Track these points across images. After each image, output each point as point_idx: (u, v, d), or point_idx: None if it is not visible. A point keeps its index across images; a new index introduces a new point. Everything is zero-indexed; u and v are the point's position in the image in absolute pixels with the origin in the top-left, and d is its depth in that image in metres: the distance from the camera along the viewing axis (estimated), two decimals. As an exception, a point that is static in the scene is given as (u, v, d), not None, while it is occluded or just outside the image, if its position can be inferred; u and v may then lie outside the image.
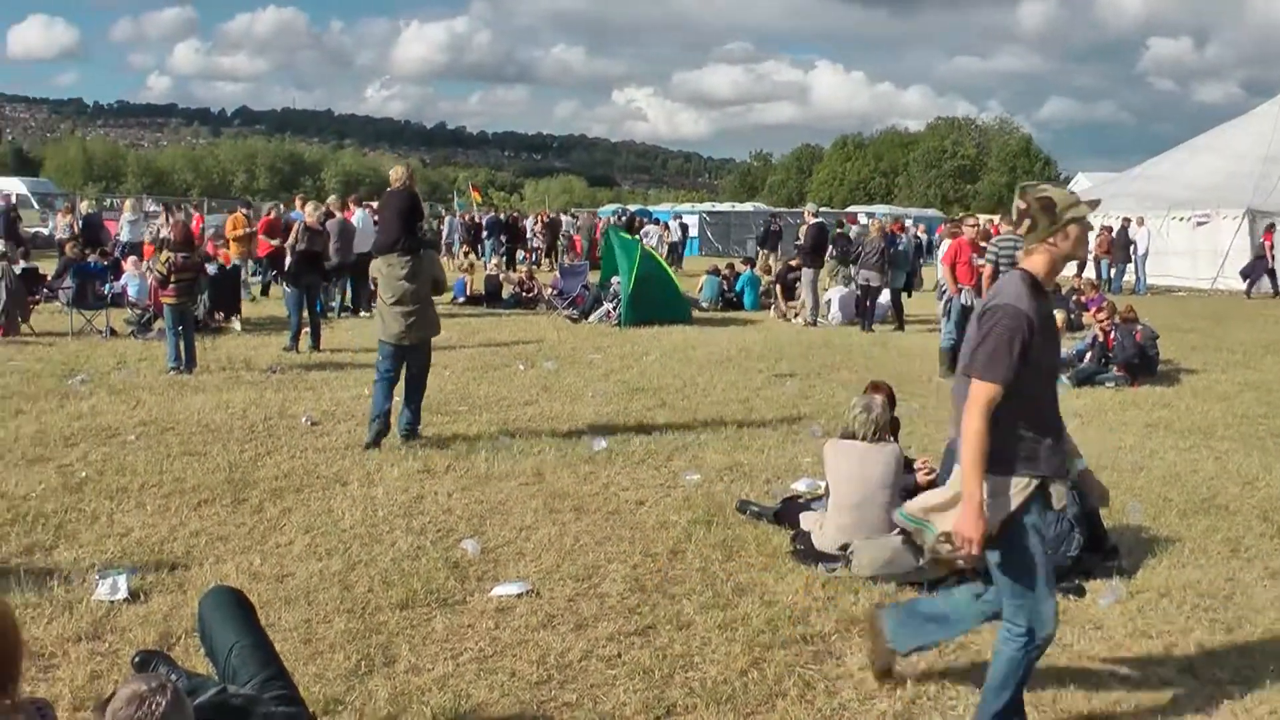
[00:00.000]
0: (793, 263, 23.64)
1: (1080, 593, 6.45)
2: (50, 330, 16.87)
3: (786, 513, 7.66)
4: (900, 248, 22.02)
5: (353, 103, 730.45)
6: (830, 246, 23.43)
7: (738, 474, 9.16)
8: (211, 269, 18.12)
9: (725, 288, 25.11)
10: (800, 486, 8.61)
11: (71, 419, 10.56)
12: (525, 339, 17.96)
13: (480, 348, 16.65)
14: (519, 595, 6.21)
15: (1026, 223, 4.46)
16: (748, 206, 68.85)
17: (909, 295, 23.22)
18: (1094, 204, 4.52)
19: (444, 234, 37.73)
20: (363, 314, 20.55)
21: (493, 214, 43.01)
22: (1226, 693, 5.22)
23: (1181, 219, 35.09)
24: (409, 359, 9.89)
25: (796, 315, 22.23)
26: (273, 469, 8.90)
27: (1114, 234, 33.07)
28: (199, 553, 6.82)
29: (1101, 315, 15.36)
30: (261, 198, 73.00)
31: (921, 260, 30.14)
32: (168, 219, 28.74)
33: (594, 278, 24.28)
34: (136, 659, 4.69)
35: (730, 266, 27.00)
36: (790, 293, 23.22)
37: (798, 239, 23.69)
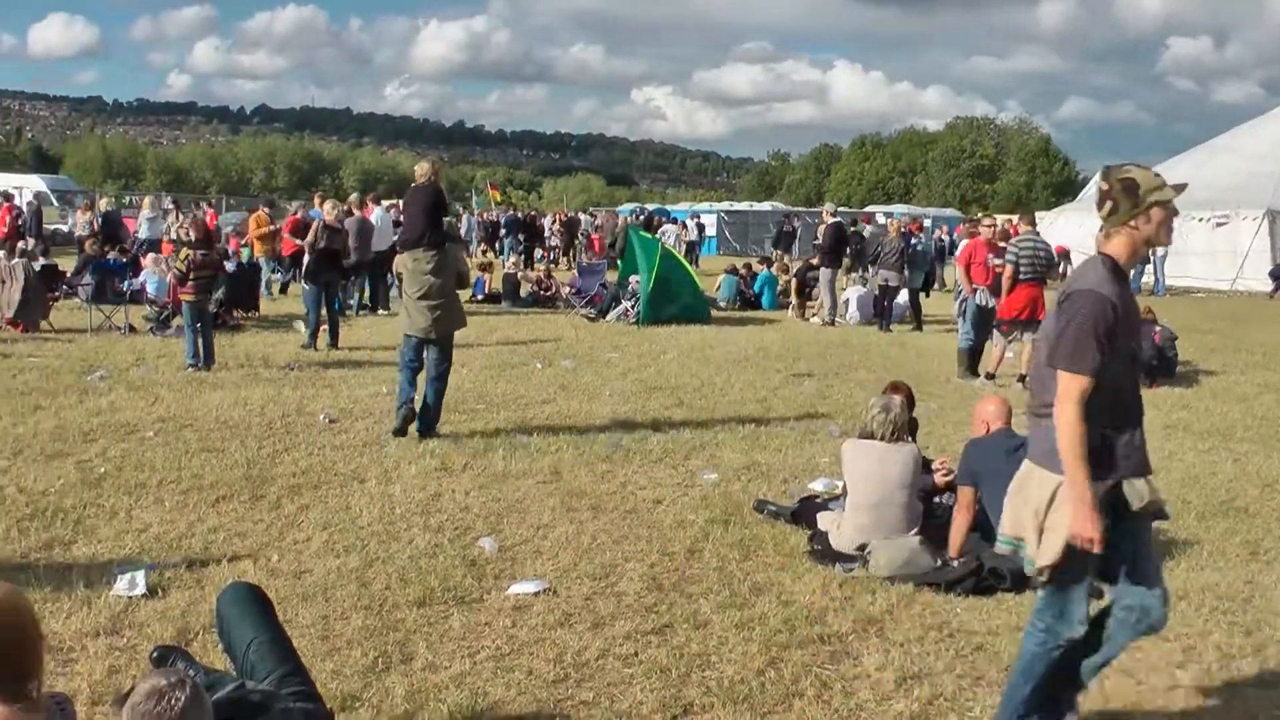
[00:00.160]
0: (813, 261, 23.60)
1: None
2: (69, 326, 16.92)
3: (804, 512, 7.65)
4: (919, 248, 21.96)
5: (371, 101, 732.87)
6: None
7: (755, 473, 9.15)
8: (230, 266, 18.17)
9: (743, 287, 25.08)
10: (818, 486, 8.59)
11: (90, 415, 10.59)
12: (543, 337, 17.97)
13: (498, 346, 16.66)
14: (536, 593, 6.21)
15: (1108, 205, 4.34)
16: (765, 206, 68.74)
17: (927, 295, 23.16)
18: (1180, 187, 4.35)
19: (461, 232, 37.76)
20: (380, 312, 20.61)
21: (511, 213, 43.03)
22: (1245, 696, 5.20)
23: (1201, 220, 34.97)
24: (431, 354, 9.97)
25: (814, 315, 22.21)
26: (290, 466, 8.92)
27: (1133, 234, 32.99)
28: (217, 549, 6.84)
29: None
30: (280, 196, 73.18)
31: (946, 262, 30.12)
32: (178, 216, 28.88)
33: (612, 276, 24.28)
34: (155, 654, 4.70)
35: (748, 266, 26.98)
36: (805, 292, 23.19)
37: (816, 239, 23.66)
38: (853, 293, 23.25)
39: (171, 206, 34.09)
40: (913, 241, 21.23)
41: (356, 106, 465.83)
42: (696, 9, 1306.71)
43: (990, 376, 14.28)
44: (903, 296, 21.37)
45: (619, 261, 24.66)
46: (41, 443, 9.39)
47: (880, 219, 33.00)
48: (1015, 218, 16.36)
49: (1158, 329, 15.43)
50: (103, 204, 30.59)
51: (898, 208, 58.98)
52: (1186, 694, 5.23)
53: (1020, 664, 4.53)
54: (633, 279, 21.48)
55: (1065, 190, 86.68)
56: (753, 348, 17.39)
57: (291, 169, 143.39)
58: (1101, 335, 4.14)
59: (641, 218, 41.59)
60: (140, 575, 6.13)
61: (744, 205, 72.99)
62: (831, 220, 22.38)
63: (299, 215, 23.32)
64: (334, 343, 15.77)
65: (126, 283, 17.50)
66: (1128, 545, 4.35)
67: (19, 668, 3.09)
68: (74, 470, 8.51)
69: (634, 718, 4.81)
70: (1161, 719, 5.01)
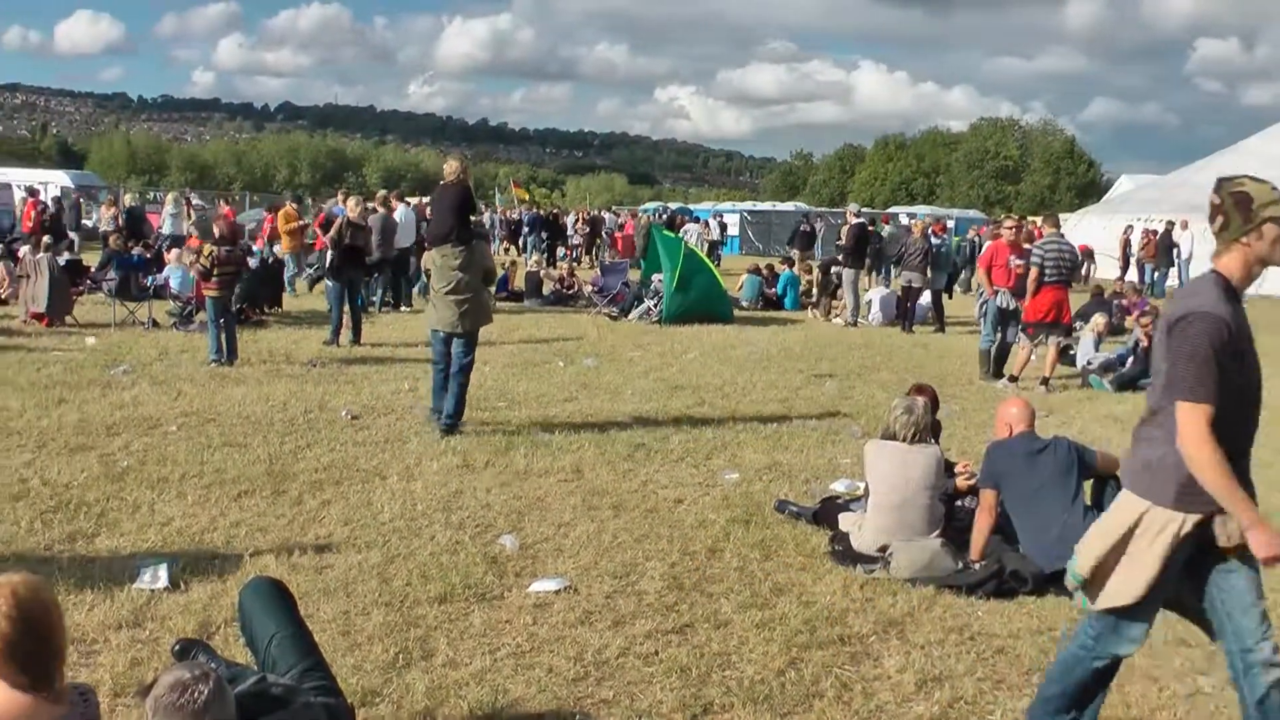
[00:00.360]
0: (839, 257, 23.57)
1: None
2: (93, 321, 17.00)
3: (825, 513, 7.63)
4: (942, 249, 21.89)
5: (395, 98, 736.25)
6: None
7: (776, 473, 9.13)
8: (253, 263, 18.24)
9: (765, 288, 25.05)
10: (839, 487, 8.58)
11: (114, 409, 10.64)
12: (565, 336, 17.98)
13: (520, 344, 16.68)
14: (557, 591, 6.21)
15: (1219, 220, 4.06)
16: (789, 206, 68.61)
17: (949, 297, 23.08)
18: None
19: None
20: (403, 309, 20.64)
21: (534, 211, 43.07)
22: (1270, 702, 5.15)
23: (1227, 223, 34.70)
24: (455, 347, 10.06)
25: (837, 315, 22.17)
26: (312, 461, 8.94)
27: (1157, 237, 32.83)
28: (239, 543, 6.86)
29: (1145, 320, 15.19)
30: (304, 192, 73.41)
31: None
32: (189, 213, 29.02)
33: (634, 275, 24.28)
34: (177, 647, 4.71)
35: (770, 267, 26.95)
36: (832, 290, 23.15)
37: (839, 239, 23.61)
38: (875, 294, 23.21)
39: (183, 205, 34.38)
40: (935, 242, 21.09)
41: (380, 104, 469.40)
42: (721, 8, 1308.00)
43: (1014, 379, 14.23)
44: (925, 297, 21.30)
45: (642, 260, 24.66)
46: (65, 436, 9.44)
47: (903, 219, 32.90)
48: (1039, 219, 16.29)
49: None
50: (127, 200, 30.80)
51: (921, 208, 58.80)
52: (1208, 700, 5.19)
53: (1059, 661, 4.46)
54: (655, 278, 21.48)
55: (1089, 192, 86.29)
56: (775, 348, 17.37)
57: (315, 166, 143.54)
58: (1218, 359, 3.89)
59: (664, 217, 41.61)
60: (162, 569, 6.15)
61: (767, 205, 72.91)
62: (855, 220, 22.34)
63: (325, 213, 23.39)
64: (356, 339, 15.81)
65: (150, 278, 17.55)
66: (1215, 591, 4.13)
67: (43, 658, 3.11)
68: (97, 463, 8.56)
69: (654, 716, 4.81)
70: (1184, 724, 4.98)
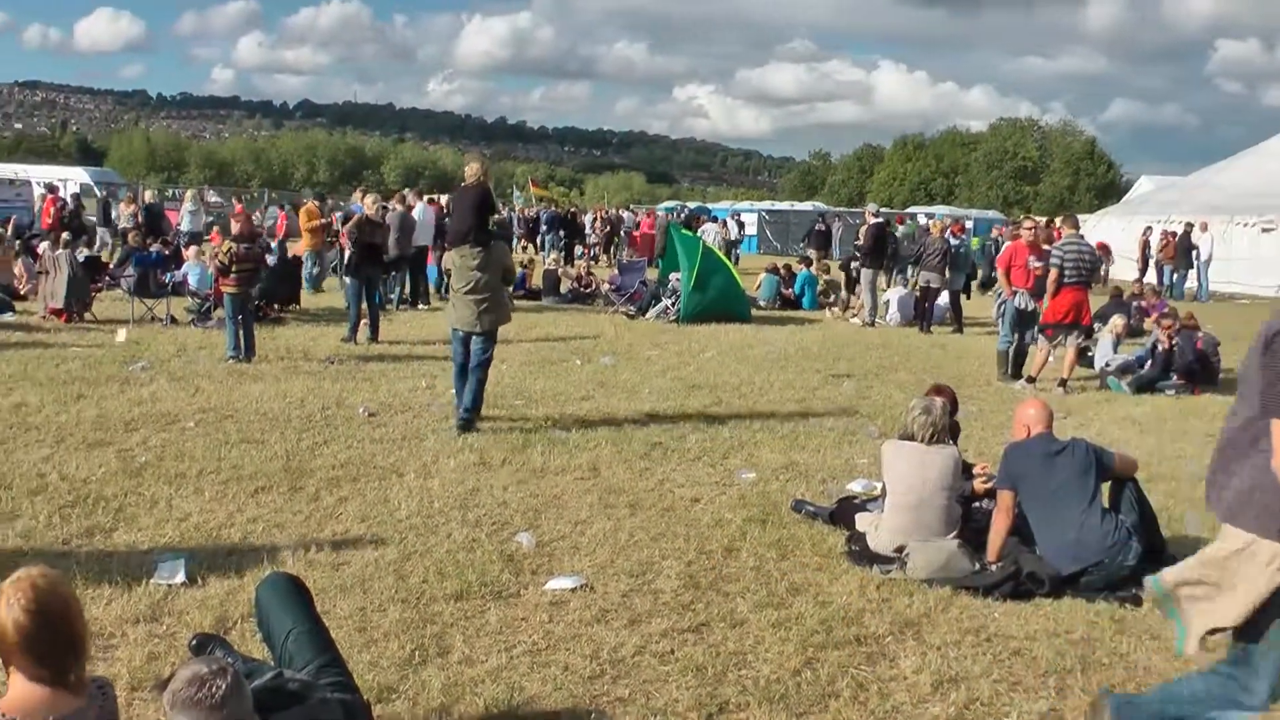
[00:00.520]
0: (855, 256, 23.54)
1: (1137, 602, 6.36)
2: (112, 317, 17.07)
3: (842, 513, 7.62)
4: (961, 250, 21.83)
5: (414, 96, 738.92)
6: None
7: (793, 473, 9.12)
8: (271, 260, 18.28)
9: (783, 287, 25.02)
10: (856, 487, 8.56)
11: (132, 405, 10.68)
12: (583, 334, 17.99)
13: (537, 342, 16.68)
14: (573, 589, 6.20)
15: None
16: (807, 206, 68.55)
17: (967, 297, 23.03)
18: None
19: (499, 227, 37.84)
20: (420, 307, 20.66)
21: (552, 209, 43.10)
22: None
23: (1247, 225, 34.60)
24: (474, 344, 10.16)
25: (854, 315, 22.14)
26: (329, 458, 8.95)
27: (1176, 239, 32.69)
28: (256, 539, 6.87)
29: (1166, 322, 15.12)
30: (324, 190, 73.57)
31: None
32: (207, 211, 29.20)
33: (652, 274, 24.27)
34: (194, 642, 4.74)
35: (787, 267, 26.92)
36: (853, 285, 23.14)
37: (857, 239, 23.56)
38: (893, 294, 23.16)
39: (201, 202, 34.59)
40: (954, 243, 21.03)
41: (399, 102, 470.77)
42: (740, 7, 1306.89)
43: (1031, 380, 14.17)
44: (943, 298, 21.25)
45: (660, 259, 24.65)
46: (83, 431, 9.48)
47: (921, 219, 32.80)
48: (1059, 220, 16.22)
49: (1200, 335, 15.30)
50: (146, 197, 30.89)
51: (940, 209, 58.65)
52: (1228, 703, 5.16)
53: (1177, 686, 4.30)
54: (673, 277, 21.47)
55: (1109, 193, 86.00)
56: (792, 347, 17.35)
57: (333, 164, 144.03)
58: None
59: (682, 216, 41.58)
60: (180, 564, 6.18)
61: (785, 205, 72.88)
62: (873, 221, 22.30)
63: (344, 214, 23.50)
64: (374, 337, 15.83)
65: (168, 275, 17.60)
66: None
67: (61, 651, 3.13)
68: (115, 459, 8.59)
69: (669, 715, 4.80)
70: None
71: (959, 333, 20.53)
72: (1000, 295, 15.68)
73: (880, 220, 22.77)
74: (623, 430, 10.41)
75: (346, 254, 17.22)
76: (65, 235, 19.72)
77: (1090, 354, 15.54)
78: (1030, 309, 14.60)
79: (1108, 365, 15.04)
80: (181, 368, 12.90)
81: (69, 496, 7.54)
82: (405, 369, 13.52)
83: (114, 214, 29.15)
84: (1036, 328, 14.46)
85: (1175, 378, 14.47)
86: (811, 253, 30.71)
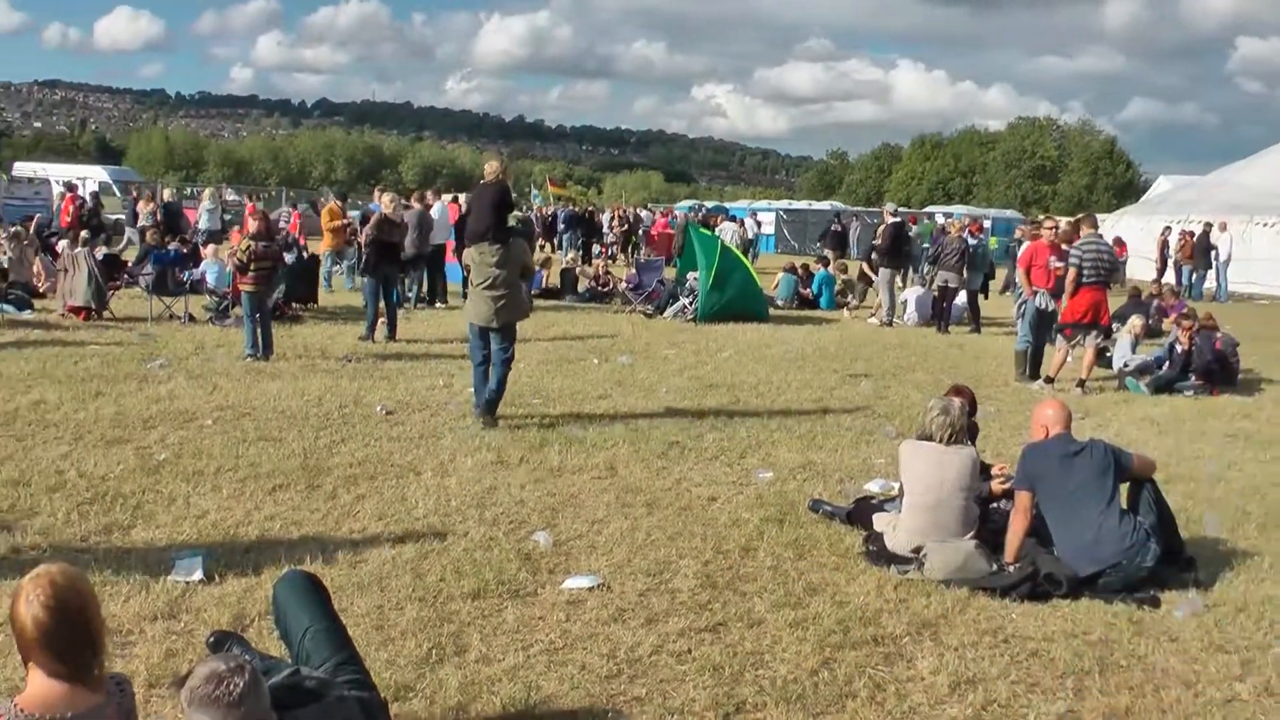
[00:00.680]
0: (873, 255, 23.49)
1: (1155, 604, 6.33)
2: (130, 315, 17.14)
3: (859, 513, 7.60)
4: (979, 250, 21.76)
5: (432, 95, 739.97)
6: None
7: (811, 473, 9.10)
8: (290, 258, 18.30)
9: (801, 286, 24.97)
10: (873, 487, 8.55)
11: (150, 402, 10.71)
12: (600, 333, 17.98)
13: (555, 341, 16.68)
14: (590, 589, 6.20)
15: None
16: (824, 205, 68.45)
17: (985, 297, 22.98)
18: None
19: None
20: (438, 305, 20.69)
21: (569, 208, 43.07)
22: (1308, 710, 5.10)
23: (1266, 225, 34.43)
24: (495, 340, 10.29)
25: (872, 315, 22.10)
26: (347, 456, 8.97)
27: (1195, 239, 32.54)
28: (273, 537, 6.89)
29: (1185, 322, 15.05)
30: (343, 189, 73.66)
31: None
32: (224, 209, 29.31)
33: (670, 273, 24.25)
34: (211, 639, 4.75)
35: (805, 267, 26.88)
36: (872, 281, 23.11)
37: (875, 239, 23.51)
38: (911, 294, 23.10)
39: (219, 200, 34.76)
40: (972, 243, 20.95)
41: (417, 100, 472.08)
42: (758, 6, 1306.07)
43: (1049, 380, 14.13)
44: (961, 298, 21.19)
45: (677, 258, 24.63)
46: (102, 429, 9.51)
47: (939, 219, 32.71)
48: (1079, 218, 16.14)
49: (1219, 335, 15.23)
50: (164, 195, 31.00)
51: (958, 208, 58.49)
52: (1245, 707, 5.13)
53: None
54: (691, 276, 21.45)
55: (1127, 193, 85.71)
56: (810, 347, 17.32)
57: (351, 162, 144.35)
58: None
59: (700, 215, 41.55)
60: (198, 561, 6.19)
61: (803, 204, 72.81)
62: (892, 220, 22.25)
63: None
64: (392, 335, 15.85)
65: (186, 273, 17.64)
66: None
67: (80, 648, 3.13)
68: (133, 456, 8.61)
69: (686, 715, 4.79)
70: (1222, 730, 4.92)
71: (976, 333, 20.48)
72: (1020, 295, 15.63)
73: (898, 220, 22.73)
74: (640, 429, 10.41)
75: (363, 253, 17.23)
76: (84, 233, 19.78)
77: (1109, 354, 15.48)
78: (1050, 309, 14.54)
79: (1126, 366, 14.99)
80: (199, 366, 12.94)
81: (87, 494, 7.56)
82: (423, 367, 13.53)
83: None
84: (1055, 327, 14.41)
85: (1194, 378, 14.41)
86: (828, 253, 30.68)
